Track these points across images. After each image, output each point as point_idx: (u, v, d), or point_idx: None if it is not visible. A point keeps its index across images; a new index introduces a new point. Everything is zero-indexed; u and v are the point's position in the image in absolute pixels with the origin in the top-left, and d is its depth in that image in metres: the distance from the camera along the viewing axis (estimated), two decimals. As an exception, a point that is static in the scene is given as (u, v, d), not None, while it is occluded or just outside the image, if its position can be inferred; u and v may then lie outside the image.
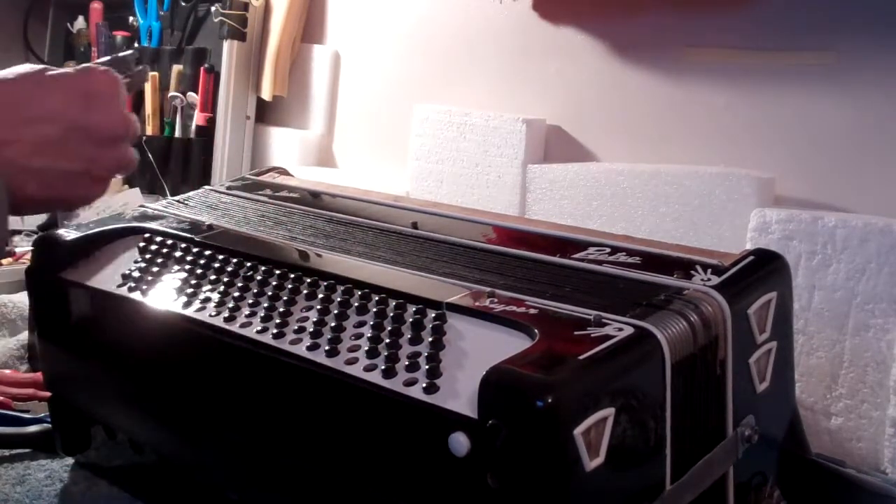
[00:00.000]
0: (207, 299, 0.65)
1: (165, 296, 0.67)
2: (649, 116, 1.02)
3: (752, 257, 0.64)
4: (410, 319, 0.56)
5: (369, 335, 0.55)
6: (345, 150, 1.42)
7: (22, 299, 1.15)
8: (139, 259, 0.73)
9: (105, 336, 0.73)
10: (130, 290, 0.69)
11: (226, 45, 1.44)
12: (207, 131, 1.48)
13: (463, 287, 0.60)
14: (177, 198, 0.88)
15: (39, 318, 0.81)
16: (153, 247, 0.74)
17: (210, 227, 0.77)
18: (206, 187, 0.92)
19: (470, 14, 1.18)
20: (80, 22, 1.71)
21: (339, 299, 0.60)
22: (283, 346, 0.57)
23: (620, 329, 0.51)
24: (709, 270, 0.61)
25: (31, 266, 0.79)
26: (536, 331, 0.52)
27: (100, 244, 0.77)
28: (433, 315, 0.56)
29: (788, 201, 0.90)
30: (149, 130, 1.54)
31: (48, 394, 0.80)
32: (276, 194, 0.87)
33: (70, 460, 0.81)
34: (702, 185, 0.92)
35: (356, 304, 0.59)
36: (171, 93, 1.53)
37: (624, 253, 0.66)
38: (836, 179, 0.89)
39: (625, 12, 1.03)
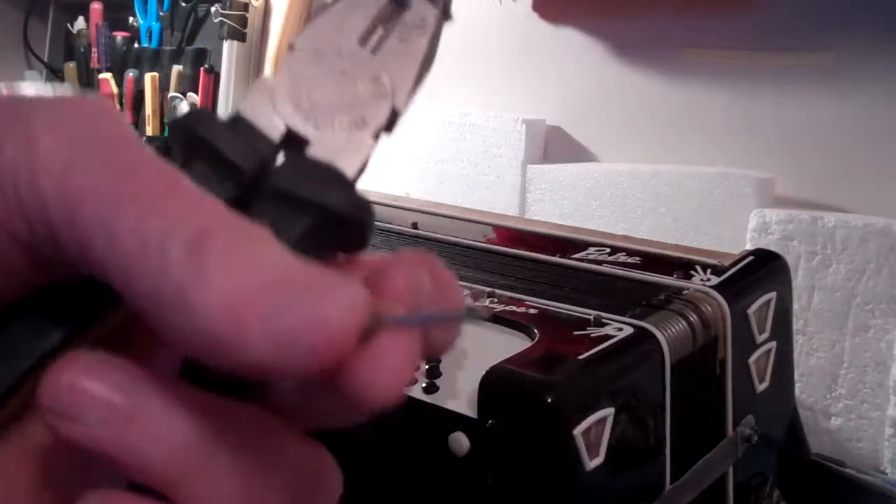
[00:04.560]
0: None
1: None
2: (649, 117, 1.02)
3: (751, 257, 0.64)
4: (410, 319, 0.56)
5: (369, 335, 0.56)
6: (345, 151, 1.41)
7: None
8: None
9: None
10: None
11: (226, 45, 1.44)
12: (207, 132, 1.48)
13: (463, 287, 0.60)
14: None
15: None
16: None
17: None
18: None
19: (470, 14, 1.18)
20: (80, 22, 1.71)
21: (338, 299, 0.60)
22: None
23: (620, 329, 0.51)
24: (708, 270, 0.61)
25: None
26: (536, 331, 0.52)
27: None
28: (433, 315, 0.56)
29: (788, 201, 0.90)
30: (149, 131, 1.54)
31: None
32: (276, 194, 0.87)
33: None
34: (701, 185, 0.92)
35: (356, 304, 0.59)
36: (171, 93, 1.53)
37: (623, 253, 0.66)
38: (835, 179, 0.89)
39: (625, 13, 1.03)
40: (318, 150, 0.20)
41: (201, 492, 0.17)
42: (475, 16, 1.18)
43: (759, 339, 0.60)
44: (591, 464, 0.46)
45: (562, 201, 1.03)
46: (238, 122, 0.20)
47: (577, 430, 0.45)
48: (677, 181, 0.94)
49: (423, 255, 0.20)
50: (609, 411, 0.47)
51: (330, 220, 0.19)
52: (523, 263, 0.65)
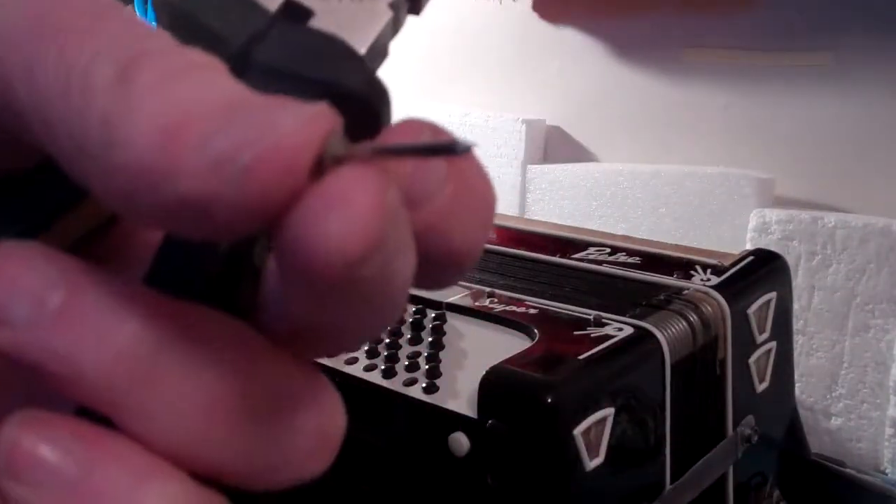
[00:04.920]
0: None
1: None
2: (649, 116, 1.02)
3: (751, 257, 0.64)
4: (410, 319, 0.56)
5: (369, 335, 0.56)
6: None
7: None
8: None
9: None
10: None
11: (226, 45, 1.44)
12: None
13: (462, 287, 0.60)
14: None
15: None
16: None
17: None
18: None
19: (470, 14, 1.18)
20: (80, 22, 1.71)
21: (338, 299, 0.60)
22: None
23: (620, 329, 0.51)
24: (708, 270, 0.61)
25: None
26: (536, 331, 0.52)
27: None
28: (433, 315, 0.56)
29: (788, 201, 0.90)
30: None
31: None
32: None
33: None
34: (701, 185, 0.92)
35: (356, 304, 0.59)
36: (171, 93, 1.52)
37: (624, 253, 0.66)
38: (835, 179, 0.89)
39: (625, 12, 1.03)
40: (323, 21, 0.17)
41: (148, 410, 0.14)
42: (475, 16, 1.18)
43: (759, 339, 0.60)
44: (591, 464, 0.46)
45: (562, 201, 1.03)
46: None
47: (577, 430, 0.45)
48: (677, 181, 0.94)
49: (425, 121, 0.16)
50: (609, 411, 0.47)
51: (333, 100, 0.16)
52: (523, 263, 0.65)
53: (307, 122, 0.13)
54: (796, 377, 0.72)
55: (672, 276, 0.61)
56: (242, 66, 0.16)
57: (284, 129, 0.13)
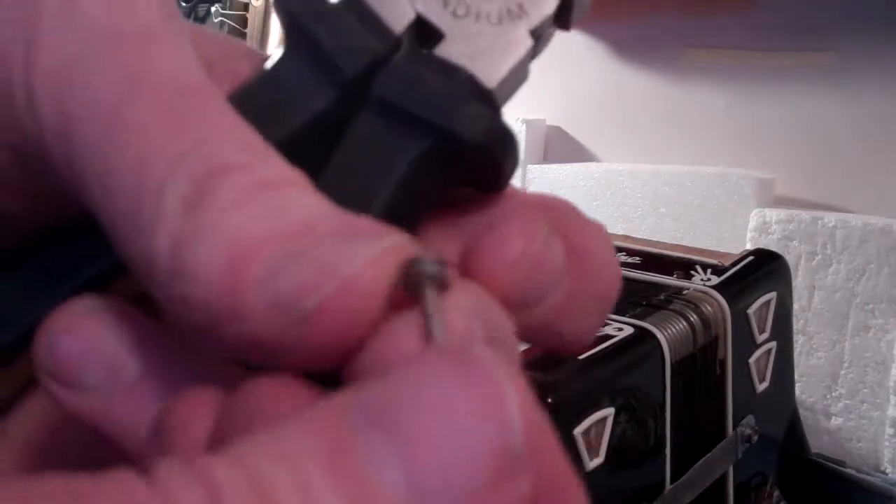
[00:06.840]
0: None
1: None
2: (649, 117, 1.02)
3: (751, 257, 0.64)
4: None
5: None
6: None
7: None
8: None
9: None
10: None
11: (226, 45, 1.44)
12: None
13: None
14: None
15: None
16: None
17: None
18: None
19: (470, 14, 1.18)
20: (80, 22, 1.71)
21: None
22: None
23: (620, 329, 0.51)
24: (709, 270, 0.61)
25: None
26: (536, 331, 0.52)
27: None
28: (433, 315, 0.56)
29: (788, 201, 0.90)
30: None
31: None
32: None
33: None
34: (701, 185, 0.92)
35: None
36: (172, 93, 1.52)
37: (624, 253, 0.66)
38: (836, 179, 0.89)
39: (625, 13, 1.03)
40: (454, 46, 0.16)
41: None
42: (475, 16, 1.18)
43: (760, 339, 0.60)
44: (591, 464, 0.46)
45: (562, 201, 1.03)
46: (353, 8, 0.15)
47: (577, 430, 0.45)
48: (677, 181, 0.94)
49: (560, 202, 0.14)
50: (609, 411, 0.47)
51: (451, 148, 0.15)
52: (523, 263, 0.65)
53: (377, 260, 0.12)
54: (796, 377, 0.72)
55: (672, 276, 0.61)
56: (357, 96, 0.15)
57: (352, 268, 0.12)
